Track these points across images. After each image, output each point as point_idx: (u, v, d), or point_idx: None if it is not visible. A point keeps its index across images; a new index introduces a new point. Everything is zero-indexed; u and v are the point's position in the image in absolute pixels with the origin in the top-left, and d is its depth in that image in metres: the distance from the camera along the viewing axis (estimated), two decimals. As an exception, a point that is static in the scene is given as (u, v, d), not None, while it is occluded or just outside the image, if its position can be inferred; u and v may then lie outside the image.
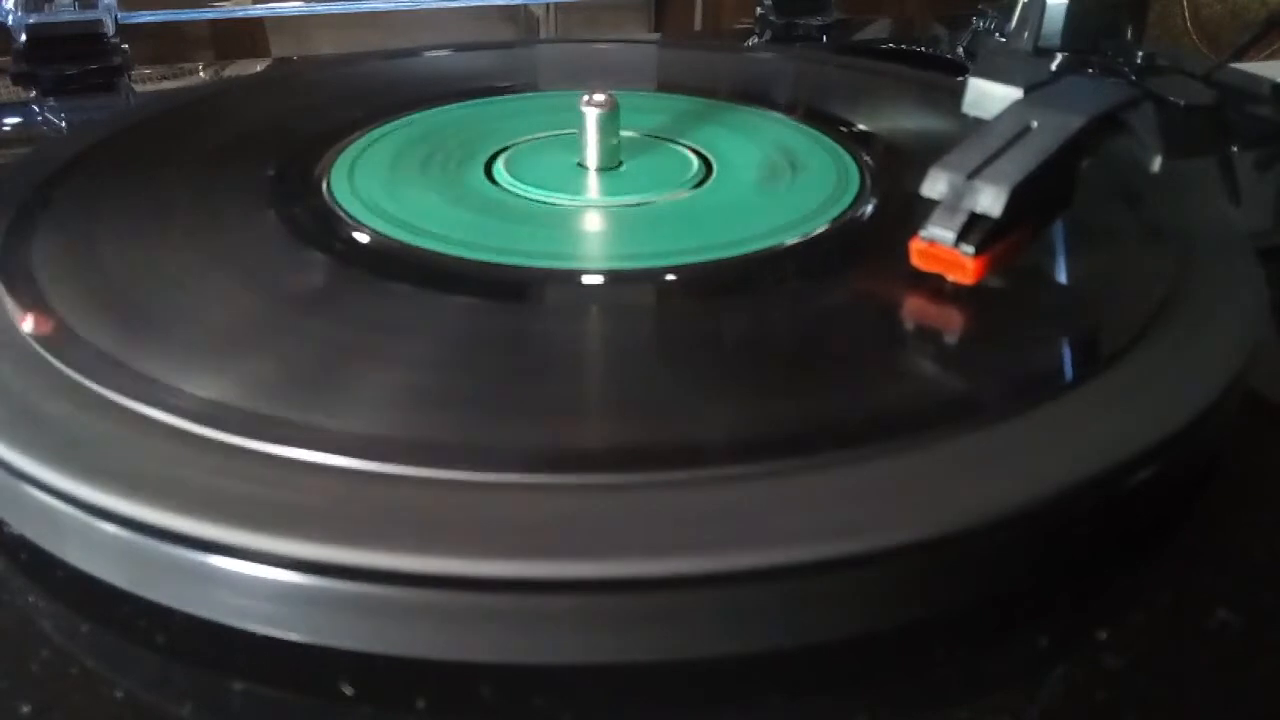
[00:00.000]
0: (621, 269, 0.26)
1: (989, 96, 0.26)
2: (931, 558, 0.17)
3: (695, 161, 0.32)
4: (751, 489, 0.18)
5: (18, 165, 0.32)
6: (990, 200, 0.22)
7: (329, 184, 0.30)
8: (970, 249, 0.22)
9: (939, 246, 0.23)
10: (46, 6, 0.51)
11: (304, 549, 0.16)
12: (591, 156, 0.31)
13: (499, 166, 0.32)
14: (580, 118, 0.31)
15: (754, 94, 0.39)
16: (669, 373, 0.22)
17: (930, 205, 0.23)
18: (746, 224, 0.28)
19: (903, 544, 0.17)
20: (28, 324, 0.22)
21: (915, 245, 0.23)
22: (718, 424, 0.20)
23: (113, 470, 0.18)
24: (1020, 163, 0.23)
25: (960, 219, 0.22)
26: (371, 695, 0.17)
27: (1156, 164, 0.25)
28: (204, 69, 0.56)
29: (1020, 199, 0.22)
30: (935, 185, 0.23)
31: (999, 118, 0.25)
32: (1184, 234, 0.27)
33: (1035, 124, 0.24)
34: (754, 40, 0.62)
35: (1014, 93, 0.26)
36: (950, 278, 0.23)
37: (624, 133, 0.32)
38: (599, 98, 0.31)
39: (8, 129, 0.48)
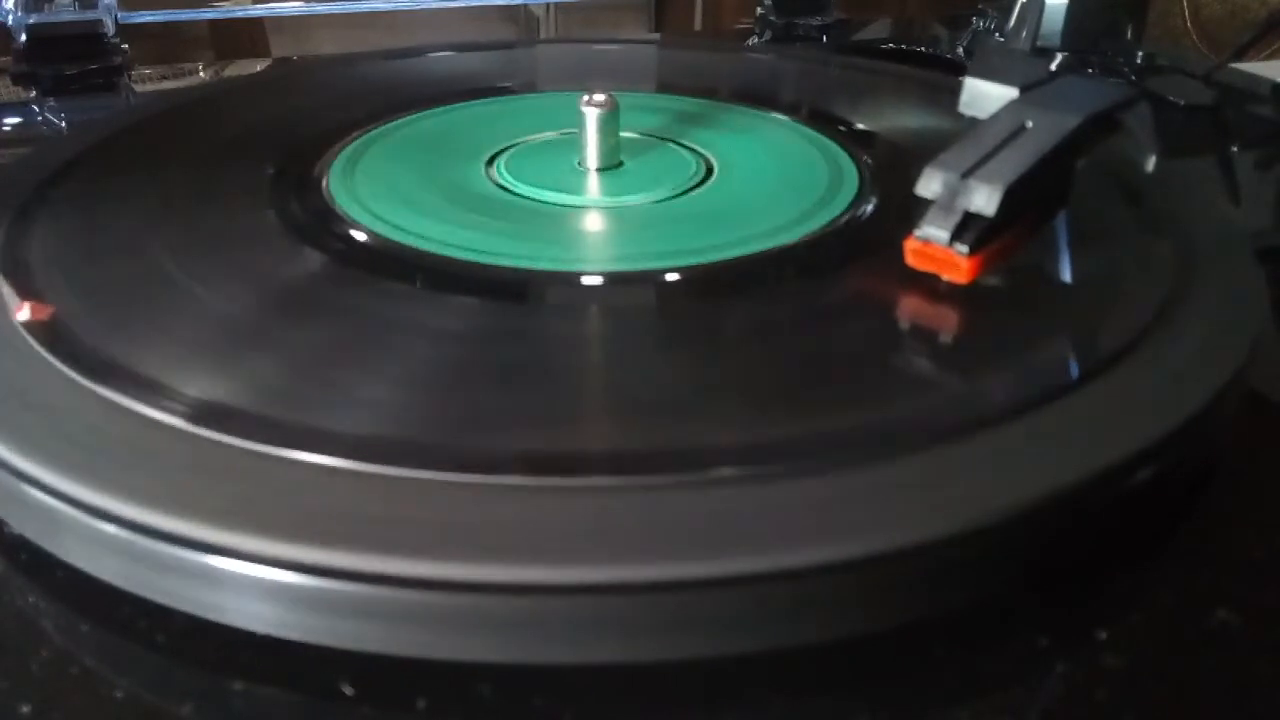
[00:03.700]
0: (621, 269, 0.26)
1: (985, 96, 0.26)
2: (930, 559, 0.17)
3: (695, 161, 0.32)
4: (751, 491, 0.18)
5: (18, 165, 0.32)
6: (984, 199, 0.22)
7: (328, 184, 0.30)
8: (964, 248, 0.22)
9: (934, 246, 0.23)
10: (46, 6, 0.51)
11: (304, 551, 0.16)
12: (591, 156, 0.31)
13: (499, 166, 0.32)
14: (580, 118, 0.31)
15: (754, 94, 0.39)
16: (668, 374, 0.22)
17: (927, 205, 0.23)
18: (746, 224, 0.28)
19: (902, 545, 0.17)
20: (28, 323, 0.22)
21: (910, 244, 0.23)
22: (717, 426, 0.20)
23: (113, 470, 0.18)
24: (1015, 162, 0.23)
25: (955, 218, 0.22)
26: (371, 695, 0.17)
27: (1152, 164, 0.25)
28: (204, 69, 0.56)
29: (1015, 198, 0.22)
30: (930, 184, 0.23)
31: (994, 117, 0.25)
32: (1184, 234, 0.27)
33: (1030, 123, 0.24)
34: (754, 40, 0.62)
35: (1010, 92, 0.26)
36: (945, 277, 0.23)
37: (624, 133, 0.32)
38: (599, 98, 0.31)
39: (8, 129, 0.48)
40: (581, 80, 0.33)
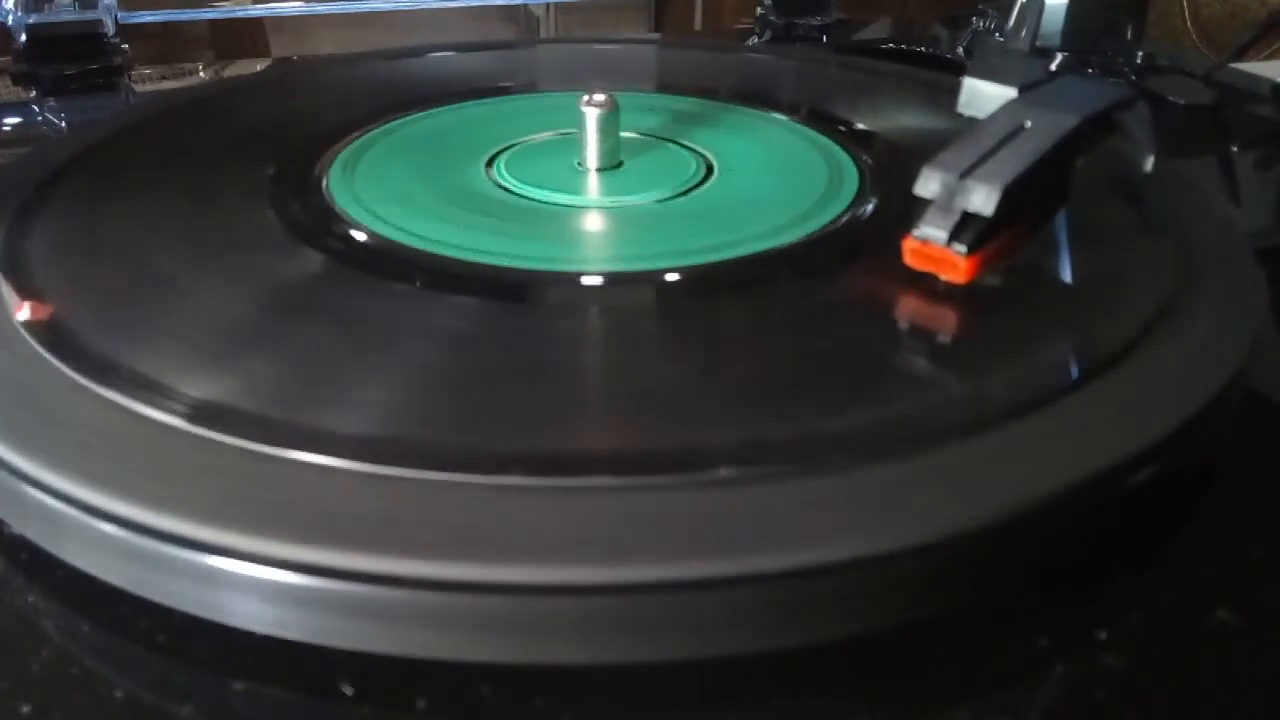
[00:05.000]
0: (621, 270, 0.26)
1: (984, 96, 0.26)
2: (931, 559, 0.17)
3: (695, 161, 0.32)
4: (750, 491, 0.18)
5: (18, 165, 0.32)
6: (983, 199, 0.22)
7: (328, 184, 0.30)
8: (963, 248, 0.22)
9: (932, 245, 0.23)
10: (46, 6, 0.51)
11: (303, 551, 0.16)
12: (591, 156, 0.31)
13: (499, 166, 0.32)
14: (580, 118, 0.31)
15: (754, 94, 0.39)
16: (668, 374, 0.22)
17: (926, 205, 0.23)
18: (746, 224, 0.28)
19: (901, 546, 0.17)
20: (28, 323, 0.22)
21: (908, 244, 0.23)
22: (717, 426, 0.20)
23: (113, 470, 0.18)
24: (1013, 162, 0.23)
25: (953, 218, 0.23)
26: (371, 695, 0.17)
27: (1150, 164, 0.25)
28: (204, 69, 0.57)
29: (1013, 198, 0.22)
30: (928, 184, 0.23)
31: (993, 117, 0.25)
32: (1184, 234, 0.27)
33: (1029, 123, 0.24)
34: (754, 40, 0.62)
35: (1008, 92, 0.26)
36: (943, 277, 0.23)
37: (624, 133, 0.32)
38: (599, 98, 0.31)
39: (8, 129, 0.48)
40: (581, 80, 0.33)
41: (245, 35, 1.09)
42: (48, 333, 0.22)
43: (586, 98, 0.31)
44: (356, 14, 0.64)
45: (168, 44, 0.85)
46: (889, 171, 0.31)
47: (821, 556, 0.16)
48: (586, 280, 0.25)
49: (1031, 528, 0.18)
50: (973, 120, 0.26)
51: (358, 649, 0.17)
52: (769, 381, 0.21)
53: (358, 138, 0.34)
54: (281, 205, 0.29)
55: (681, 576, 0.16)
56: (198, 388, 0.20)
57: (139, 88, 0.52)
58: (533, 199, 0.30)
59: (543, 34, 1.54)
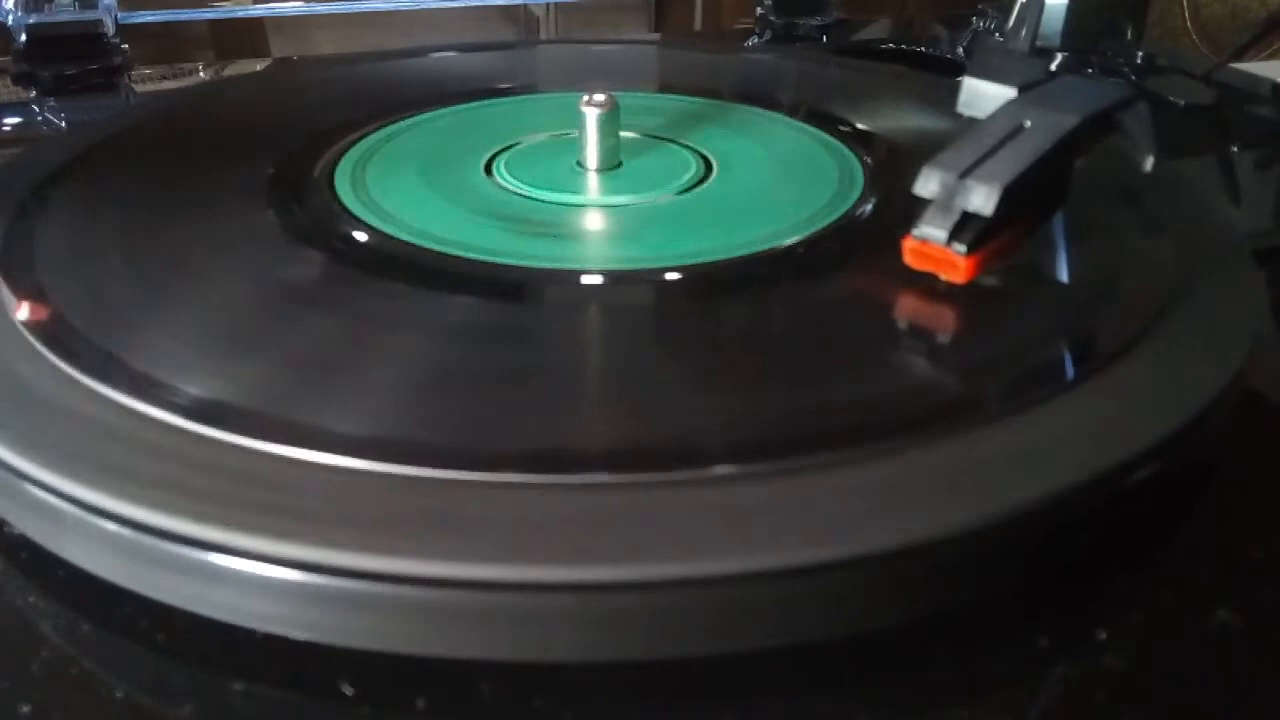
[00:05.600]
0: (621, 269, 0.26)
1: (983, 96, 0.26)
2: (931, 558, 0.17)
3: (695, 161, 0.32)
4: (750, 489, 0.18)
5: (18, 165, 0.32)
6: (982, 199, 0.22)
7: (329, 184, 0.30)
8: (962, 248, 0.22)
9: (931, 245, 0.23)
10: (46, 6, 0.51)
11: (304, 549, 0.16)
12: (591, 156, 0.31)
13: (499, 166, 0.32)
14: (580, 118, 0.31)
15: (754, 94, 0.39)
16: (668, 373, 0.22)
17: (926, 204, 0.23)
18: (745, 224, 0.28)
19: (902, 544, 0.17)
20: (28, 322, 0.22)
21: (908, 244, 0.23)
22: (717, 424, 0.20)
23: (113, 470, 0.18)
24: (1012, 162, 0.23)
25: (952, 218, 0.23)
26: (371, 695, 0.17)
27: (1149, 164, 0.25)
28: (204, 69, 0.56)
29: (1013, 198, 0.22)
30: (928, 184, 0.23)
31: (992, 117, 0.25)
32: (1184, 234, 0.27)
33: (1028, 123, 0.24)
34: (754, 40, 0.62)
35: (1008, 92, 0.26)
36: (943, 277, 0.23)
37: (624, 133, 0.32)
38: (599, 98, 0.31)
39: (8, 129, 0.48)
40: (581, 80, 0.33)
41: (245, 35, 1.09)
42: (48, 331, 0.22)
43: (586, 98, 0.31)
44: (356, 14, 0.64)
45: (168, 44, 0.85)
46: (888, 171, 0.31)
47: (821, 555, 0.16)
48: (586, 280, 0.25)
49: (1031, 527, 0.18)
50: (973, 120, 0.26)
51: (357, 648, 0.17)
52: (768, 380, 0.21)
53: (358, 138, 0.34)
54: (282, 205, 0.29)
55: (680, 574, 0.16)
56: (198, 385, 0.20)
57: (139, 88, 0.52)
58: (533, 199, 0.30)
59: (543, 34, 1.54)
